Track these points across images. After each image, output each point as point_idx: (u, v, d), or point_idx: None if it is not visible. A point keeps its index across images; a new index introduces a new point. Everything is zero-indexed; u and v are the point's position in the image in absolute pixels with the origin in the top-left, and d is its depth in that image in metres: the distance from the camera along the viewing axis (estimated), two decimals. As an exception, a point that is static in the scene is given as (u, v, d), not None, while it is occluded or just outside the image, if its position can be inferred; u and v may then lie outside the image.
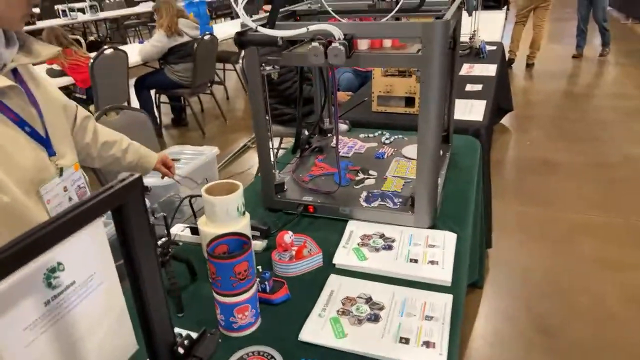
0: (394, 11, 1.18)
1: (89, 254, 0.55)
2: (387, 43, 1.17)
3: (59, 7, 7.39)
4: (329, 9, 1.16)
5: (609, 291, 2.12)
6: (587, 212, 2.76)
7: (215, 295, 0.85)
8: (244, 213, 0.96)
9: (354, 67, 3.15)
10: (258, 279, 0.95)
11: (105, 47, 3.28)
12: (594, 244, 2.46)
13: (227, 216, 0.92)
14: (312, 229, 1.24)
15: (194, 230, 1.14)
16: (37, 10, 8.32)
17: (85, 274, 0.55)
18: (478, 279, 2.03)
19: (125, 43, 8.66)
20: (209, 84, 4.46)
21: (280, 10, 1.33)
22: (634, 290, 2.11)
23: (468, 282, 1.53)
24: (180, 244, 1.15)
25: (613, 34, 6.84)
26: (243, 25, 1.02)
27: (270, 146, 1.24)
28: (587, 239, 2.51)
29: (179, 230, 1.18)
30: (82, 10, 7.72)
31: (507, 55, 5.97)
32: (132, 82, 4.15)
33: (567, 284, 2.18)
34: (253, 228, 1.11)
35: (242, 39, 0.98)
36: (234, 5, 0.91)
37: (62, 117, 1.14)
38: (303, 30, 0.98)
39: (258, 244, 1.12)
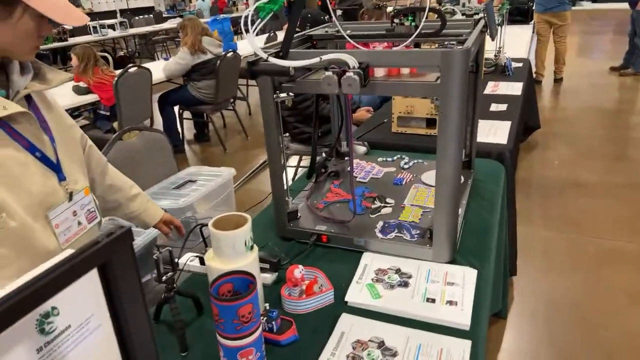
0: (413, 36, 1.14)
1: (85, 296, 0.52)
2: (406, 70, 1.13)
3: (90, 23, 7.62)
4: (345, 34, 1.13)
5: (641, 326, 1.99)
6: (619, 239, 2.62)
7: (218, 337, 0.81)
8: (251, 248, 0.92)
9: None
10: (265, 318, 0.91)
11: (130, 65, 3.33)
12: (626, 275, 2.33)
13: (233, 251, 0.88)
14: (325, 260, 1.19)
15: (203, 261, 1.11)
16: (69, 27, 8.62)
17: (81, 317, 0.52)
18: (502, 309, 1.94)
19: (153, 58, 8.87)
20: (231, 100, 4.49)
21: (296, 35, 1.31)
22: (669, 326, 1.98)
23: (491, 313, 1.46)
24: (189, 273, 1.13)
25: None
26: (256, 54, 1.00)
27: (284, 175, 1.21)
28: (619, 268, 2.38)
29: (188, 260, 1.15)
30: (112, 27, 7.95)
31: (533, 75, 5.87)
32: (156, 97, 4.22)
33: (595, 319, 2.06)
34: (262, 260, 1.07)
35: (253, 69, 0.95)
36: (245, 34, 0.88)
37: (75, 142, 1.14)
38: (316, 60, 0.94)
39: (267, 277, 1.08)
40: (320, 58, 0.94)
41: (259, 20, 0.92)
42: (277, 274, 1.10)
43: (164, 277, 0.90)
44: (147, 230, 1.48)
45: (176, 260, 1.16)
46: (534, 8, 5.65)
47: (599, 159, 3.68)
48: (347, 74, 0.95)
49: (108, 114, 3.37)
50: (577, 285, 2.28)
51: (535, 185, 3.33)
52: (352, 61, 0.96)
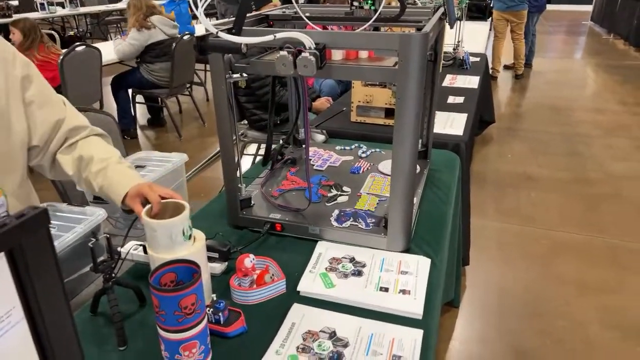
0: (371, 20, 1.11)
1: (4, 287, 0.45)
2: (364, 54, 1.10)
3: (37, 0, 7.17)
4: (303, 15, 1.08)
5: (589, 316, 2.07)
6: (568, 230, 2.73)
7: (159, 330, 0.76)
8: (190, 237, 0.87)
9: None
10: (211, 310, 0.86)
11: (77, 43, 3.14)
12: (574, 265, 2.42)
13: (170, 242, 0.83)
14: (278, 249, 1.15)
15: (148, 249, 1.05)
16: (15, 2, 8.08)
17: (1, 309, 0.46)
18: (454, 298, 1.97)
19: (106, 39, 8.46)
20: (187, 86, 4.35)
21: (253, 14, 1.25)
22: (614, 316, 2.07)
23: (443, 302, 1.47)
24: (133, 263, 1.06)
25: (595, 49, 6.90)
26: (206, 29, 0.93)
27: (236, 159, 1.15)
28: (568, 258, 2.47)
29: (131, 248, 1.08)
30: (61, 4, 7.50)
31: (490, 70, 6.01)
32: (109, 80, 4.02)
33: (546, 307, 2.13)
34: (211, 249, 1.02)
35: (202, 44, 0.89)
36: (193, 7, 0.82)
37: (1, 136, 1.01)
38: (270, 37, 0.89)
39: (216, 267, 1.03)
40: (275, 36, 0.89)
41: (209, -7, 0.86)
42: (226, 263, 1.05)
43: (100, 267, 0.83)
44: (92, 215, 1.39)
45: (119, 248, 1.09)
46: (492, 6, 5.77)
47: (550, 154, 3.81)
48: (303, 54, 0.91)
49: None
50: (529, 275, 2.35)
51: (489, 178, 3.41)
52: (308, 41, 0.92)
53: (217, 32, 0.86)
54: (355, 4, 1.18)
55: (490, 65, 6.05)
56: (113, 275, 0.86)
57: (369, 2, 1.18)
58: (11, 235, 0.39)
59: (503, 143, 4.06)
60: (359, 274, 1.04)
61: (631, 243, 2.60)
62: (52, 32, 3.83)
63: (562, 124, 4.52)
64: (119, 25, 9.18)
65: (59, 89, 3.17)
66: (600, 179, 3.37)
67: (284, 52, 0.92)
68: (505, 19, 5.67)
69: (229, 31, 0.94)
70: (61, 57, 2.96)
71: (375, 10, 1.16)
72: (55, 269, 0.44)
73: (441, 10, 1.24)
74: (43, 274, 0.43)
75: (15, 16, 7.04)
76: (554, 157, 3.75)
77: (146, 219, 0.86)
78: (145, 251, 1.06)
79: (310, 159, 1.59)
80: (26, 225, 0.40)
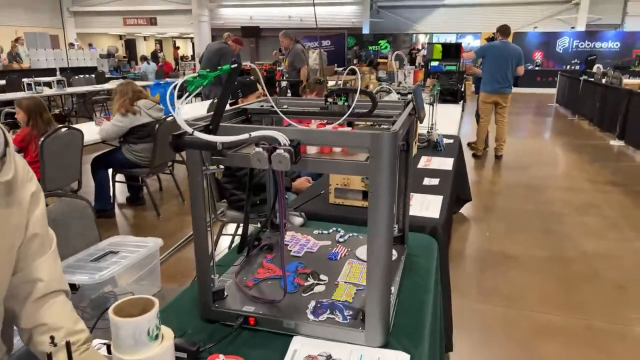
0: (345, 116, 1.16)
1: None
2: (338, 148, 1.13)
3: (24, 80, 7.35)
4: (278, 111, 1.13)
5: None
6: (548, 311, 2.70)
7: None
8: (156, 337, 0.83)
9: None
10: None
11: (59, 126, 3.18)
12: (557, 349, 2.37)
13: (133, 342, 0.79)
14: (251, 345, 1.10)
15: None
16: (2, 82, 8.28)
17: None
18: (439, 389, 1.88)
19: (91, 118, 8.60)
20: (169, 164, 4.38)
21: (231, 108, 1.30)
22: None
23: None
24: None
25: (563, 129, 7.25)
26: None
27: (210, 252, 1.13)
28: (549, 342, 2.43)
29: (95, 348, 1.02)
30: (48, 85, 7.70)
31: (471, 151, 6.26)
32: (90, 159, 4.03)
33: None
34: (179, 349, 0.97)
35: (177, 142, 0.91)
36: (170, 108, 0.85)
37: None
38: (245, 136, 0.92)
39: (184, 369, 0.97)
40: (250, 134, 0.92)
41: (187, 93, 0.89)
42: (195, 363, 0.99)
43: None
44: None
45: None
46: (480, 90, 6.15)
47: (526, 232, 3.87)
48: (278, 151, 0.94)
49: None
50: (514, 359, 2.28)
51: (468, 257, 3.42)
52: (283, 138, 0.95)
53: (192, 132, 0.89)
54: (330, 100, 1.24)
55: (472, 146, 6.33)
56: (70, 383, 0.80)
57: (343, 98, 1.24)
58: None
59: (481, 221, 4.13)
60: (335, 373, 0.99)
61: (612, 325, 2.57)
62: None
63: (537, 202, 4.64)
64: (104, 104, 9.40)
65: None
66: (576, 257, 3.41)
67: (259, 149, 0.94)
68: (493, 101, 6.00)
69: (206, 128, 0.97)
70: (42, 139, 2.99)
71: (349, 107, 1.21)
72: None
73: (411, 105, 1.31)
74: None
75: (1, 95, 7.18)
76: (530, 236, 3.80)
77: (112, 315, 0.82)
78: (109, 350, 1.00)
79: (288, 244, 1.58)
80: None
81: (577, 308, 2.73)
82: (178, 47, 24.12)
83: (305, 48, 7.83)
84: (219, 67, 0.93)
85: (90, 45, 18.21)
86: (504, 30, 5.96)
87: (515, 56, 5.86)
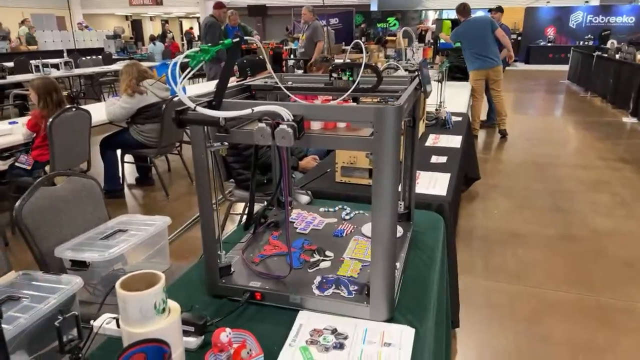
0: (349, 91, 1.15)
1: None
2: (342, 123, 1.12)
3: (32, 62, 7.37)
4: (282, 87, 1.12)
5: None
6: (557, 288, 2.70)
7: (125, 417, 0.72)
8: (163, 310, 0.84)
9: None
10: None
11: (67, 106, 3.19)
12: (565, 325, 2.37)
13: (140, 315, 0.80)
14: (257, 320, 1.12)
15: (122, 323, 1.01)
16: (9, 64, 8.28)
17: None
18: (445, 364, 1.90)
19: (99, 99, 8.63)
20: (177, 145, 4.39)
21: (235, 84, 1.29)
22: (606, 376, 2.01)
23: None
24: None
25: (574, 106, 7.15)
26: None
27: (216, 230, 1.14)
28: (558, 318, 2.43)
29: (104, 322, 1.04)
30: (56, 66, 7.70)
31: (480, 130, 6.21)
32: (98, 139, 4.05)
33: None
34: (186, 322, 0.98)
35: (180, 117, 0.91)
36: (171, 82, 0.84)
37: None
38: (248, 111, 0.91)
39: (192, 342, 0.99)
40: (252, 109, 0.91)
41: (189, 68, 0.88)
42: (202, 337, 1.01)
43: (67, 347, 0.80)
44: (67, 285, 1.34)
45: (92, 322, 1.05)
46: (468, 70, 6.03)
47: (535, 210, 3.85)
48: (281, 126, 0.93)
49: (29, 167, 3.14)
50: (521, 336, 2.29)
51: (476, 235, 3.41)
52: (286, 113, 0.94)
53: (194, 107, 0.88)
54: (335, 75, 1.23)
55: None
56: (80, 356, 0.82)
57: (347, 73, 1.23)
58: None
59: (489, 199, 4.10)
60: (340, 347, 1.00)
61: (621, 302, 2.57)
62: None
63: (546, 180, 4.59)
64: (112, 85, 9.40)
65: (37, 163, 3.18)
66: (585, 235, 3.38)
67: (262, 124, 0.94)
68: (484, 76, 5.89)
69: (209, 103, 0.97)
70: (50, 120, 3.00)
71: (354, 81, 1.20)
72: None
73: (417, 80, 1.29)
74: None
75: (10, 77, 7.21)
76: (538, 213, 3.78)
77: (119, 289, 0.84)
78: (118, 324, 1.02)
79: (293, 222, 1.58)
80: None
81: (585, 286, 2.72)
82: (191, 27, 23.86)
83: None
84: (220, 42, 0.91)
85: (86, 26, 18.02)
86: (461, 10, 5.85)
87: (486, 27, 5.71)
